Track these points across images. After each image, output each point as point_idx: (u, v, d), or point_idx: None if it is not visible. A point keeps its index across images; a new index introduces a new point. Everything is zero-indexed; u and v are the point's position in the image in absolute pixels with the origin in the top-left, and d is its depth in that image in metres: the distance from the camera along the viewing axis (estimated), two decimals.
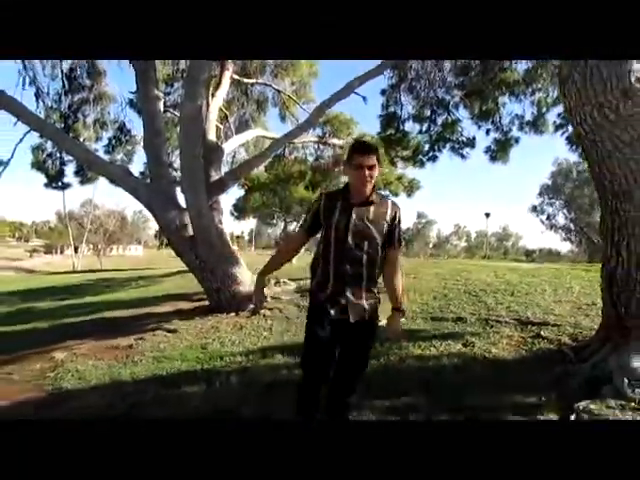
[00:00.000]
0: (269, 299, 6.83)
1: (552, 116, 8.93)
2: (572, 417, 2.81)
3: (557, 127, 8.91)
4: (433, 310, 6.04)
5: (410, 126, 9.06)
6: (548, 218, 34.80)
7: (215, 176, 8.17)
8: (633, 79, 3.32)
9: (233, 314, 6.64)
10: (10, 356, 5.32)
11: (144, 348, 5.34)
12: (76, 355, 5.19)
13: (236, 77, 10.75)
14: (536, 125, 8.61)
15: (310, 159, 12.27)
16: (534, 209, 35.08)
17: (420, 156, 9.22)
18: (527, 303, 5.93)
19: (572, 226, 34.41)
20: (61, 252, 58.23)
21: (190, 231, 7.10)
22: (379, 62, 7.90)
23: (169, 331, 6.07)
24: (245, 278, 7.19)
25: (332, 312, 2.22)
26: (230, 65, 9.90)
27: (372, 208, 2.24)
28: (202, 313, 6.97)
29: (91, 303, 9.92)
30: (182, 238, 7.14)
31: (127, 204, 51.22)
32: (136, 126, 11.24)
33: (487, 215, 34.57)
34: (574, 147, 8.95)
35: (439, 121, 8.94)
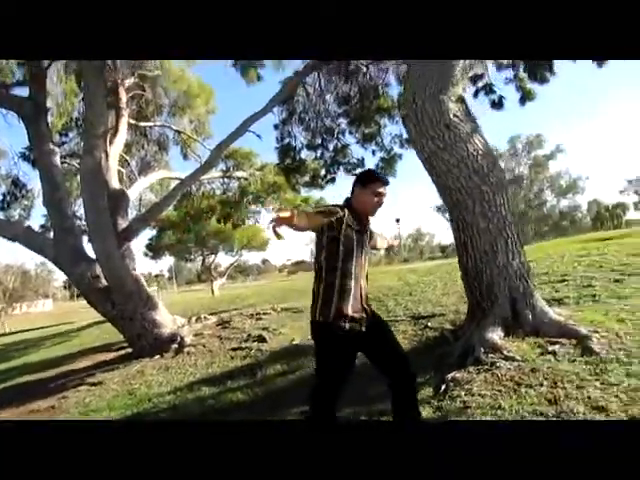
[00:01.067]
0: (190, 337, 7.17)
1: None
2: (443, 387, 3.55)
3: None
4: None
5: (306, 154, 9.84)
6: None
7: (123, 223, 8.33)
8: (451, 115, 4.26)
9: (158, 356, 6.86)
10: None
11: (68, 406, 5.39)
12: None
13: (133, 122, 10.98)
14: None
15: (218, 192, 12.66)
16: (438, 209, 37.89)
17: (319, 180, 10.03)
18: (421, 300, 6.82)
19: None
20: None
21: (104, 281, 7.24)
22: (268, 100, 8.64)
23: (93, 384, 6.14)
24: (165, 320, 7.45)
25: (346, 326, 2.29)
26: (125, 111, 10.13)
27: (368, 232, 2.55)
28: (126, 361, 7.10)
29: (2, 371, 9.47)
30: (96, 290, 7.26)
31: (27, 257, 47.45)
32: (31, 180, 10.96)
33: (397, 220, 36.59)
34: None
35: (330, 147, 9.82)
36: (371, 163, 9.79)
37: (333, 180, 10.12)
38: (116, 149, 9.47)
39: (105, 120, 7.49)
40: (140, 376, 6.09)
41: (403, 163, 10.08)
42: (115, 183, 8.91)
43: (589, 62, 6.86)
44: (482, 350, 3.89)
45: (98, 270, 7.23)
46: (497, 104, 8.31)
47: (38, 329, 19.44)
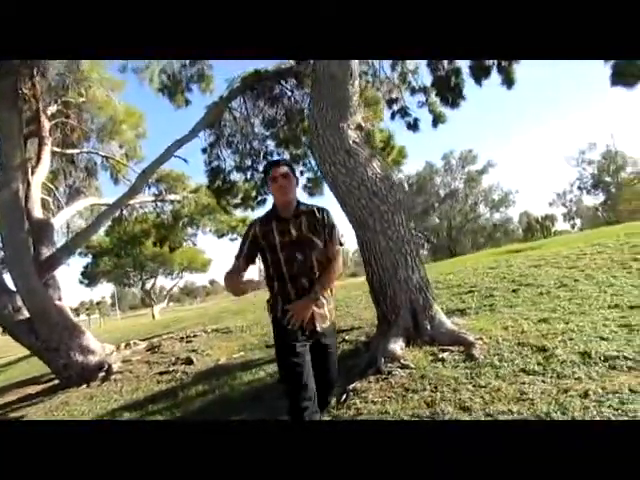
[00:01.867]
0: (119, 364, 7.14)
1: None
2: (343, 397, 3.82)
3: None
4: (269, 339, 6.95)
5: (235, 176, 10.06)
6: None
7: (47, 253, 8.18)
8: (351, 142, 4.66)
9: (84, 386, 6.78)
10: None
11: None
12: None
13: (57, 150, 10.80)
14: None
15: (152, 216, 12.59)
16: None
17: (250, 201, 10.26)
18: (345, 315, 7.16)
19: (414, 232, 39.08)
20: None
21: (26, 313, 7.10)
22: (194, 125, 8.84)
23: (16, 418, 6.04)
24: (93, 348, 7.36)
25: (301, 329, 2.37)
26: (48, 139, 9.97)
27: (303, 218, 2.43)
28: (51, 393, 6.96)
29: None
30: (18, 322, 7.10)
31: None
32: None
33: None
34: None
35: (260, 168, 10.10)
36: (300, 183, 10.19)
37: (264, 201, 10.37)
38: (39, 178, 9.27)
39: (22, 152, 7.42)
40: (64, 407, 6.01)
41: None
42: (38, 213, 8.74)
43: (498, 85, 7.54)
44: (383, 360, 4.21)
45: (20, 302, 7.08)
46: (412, 126, 8.93)
47: None
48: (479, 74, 7.74)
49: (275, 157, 9.96)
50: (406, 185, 37.17)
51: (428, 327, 4.57)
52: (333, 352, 2.59)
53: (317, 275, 2.41)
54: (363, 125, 4.92)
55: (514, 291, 5.91)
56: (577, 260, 6.81)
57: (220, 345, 7.00)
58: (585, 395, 2.69)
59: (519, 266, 7.46)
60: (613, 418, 2.39)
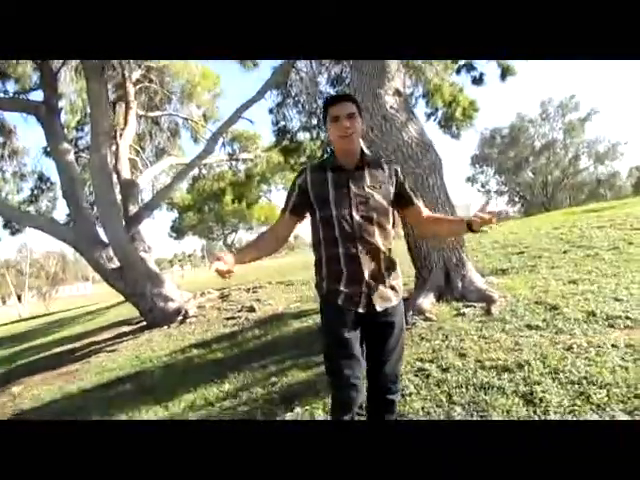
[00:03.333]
0: (194, 309, 8.27)
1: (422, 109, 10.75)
2: None
3: (428, 116, 10.73)
4: None
5: (302, 136, 10.64)
6: (482, 186, 37.57)
7: (133, 209, 9.45)
8: (388, 107, 4.98)
9: (166, 327, 8.01)
10: None
11: (89, 368, 6.62)
12: (30, 386, 6.42)
13: (141, 113, 12.02)
14: None
15: (227, 174, 13.65)
16: (468, 179, 37.71)
17: (315, 161, 10.84)
18: None
19: (504, 188, 37.35)
20: (3, 303, 56.60)
21: (117, 262, 8.40)
22: (261, 86, 9.44)
23: (110, 351, 7.38)
24: (173, 294, 8.57)
25: (353, 306, 1.95)
26: (133, 103, 11.14)
27: (367, 171, 1.98)
28: (139, 332, 8.30)
29: (40, 345, 10.95)
30: (111, 270, 8.43)
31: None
32: (55, 173, 12.34)
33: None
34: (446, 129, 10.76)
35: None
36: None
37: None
38: (126, 141, 10.54)
39: (109, 117, 8.51)
40: (147, 343, 7.24)
41: None
42: (126, 173, 10.01)
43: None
44: (410, 313, 4.68)
45: (112, 253, 8.38)
46: (478, 80, 8.82)
47: (74, 309, 21.33)
48: None
49: None
50: (498, 138, 35.42)
51: (459, 285, 4.94)
52: (397, 333, 2.01)
53: (379, 242, 1.94)
54: (401, 90, 5.17)
55: (565, 252, 6.02)
56: None
57: (281, 296, 7.82)
58: (569, 348, 3.02)
59: (583, 227, 7.37)
60: (582, 367, 2.73)
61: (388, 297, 1.96)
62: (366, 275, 1.91)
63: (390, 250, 2.00)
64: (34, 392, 5.99)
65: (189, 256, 68.18)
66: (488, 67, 8.73)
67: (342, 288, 1.94)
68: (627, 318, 3.32)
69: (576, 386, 2.54)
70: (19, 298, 41.09)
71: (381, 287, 1.95)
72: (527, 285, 4.76)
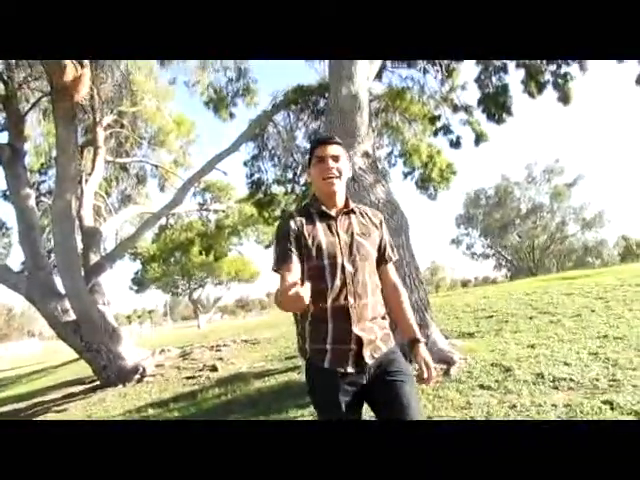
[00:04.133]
0: (152, 368, 8.42)
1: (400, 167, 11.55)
2: None
3: (405, 175, 11.50)
4: (291, 351, 7.93)
5: (276, 189, 11.22)
6: (467, 248, 38.80)
7: (94, 259, 9.72)
8: (357, 168, 5.56)
9: (120, 386, 8.11)
10: None
11: None
12: None
13: (110, 158, 12.52)
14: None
15: (197, 225, 14.09)
16: (453, 241, 38.94)
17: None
18: None
19: (490, 251, 38.64)
20: None
21: (72, 315, 8.56)
22: (236, 138, 10.08)
23: (58, 412, 7.43)
24: (129, 353, 8.72)
25: (344, 367, 1.84)
26: (102, 149, 11.62)
27: (354, 217, 1.96)
28: (91, 392, 8.36)
29: None
30: (65, 323, 8.57)
31: (14, 295, 49.03)
32: (11, 218, 12.58)
33: None
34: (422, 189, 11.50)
35: (301, 181, 11.19)
36: None
37: None
38: (92, 186, 10.94)
39: (76, 164, 8.95)
40: (100, 403, 7.33)
41: None
42: (89, 221, 10.34)
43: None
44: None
45: (68, 305, 8.55)
46: (455, 144, 9.65)
47: (17, 368, 20.80)
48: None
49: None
50: (484, 198, 36.94)
51: None
52: (405, 382, 1.89)
53: (369, 295, 1.88)
54: (370, 153, 5.79)
55: (530, 318, 6.53)
56: (612, 291, 7.26)
57: (245, 355, 8.08)
58: (513, 406, 3.43)
59: (553, 294, 7.96)
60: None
61: (378, 347, 1.88)
62: (356, 330, 1.82)
63: (379, 303, 1.94)
64: None
65: (150, 312, 67.10)
66: (464, 130, 9.44)
67: (328, 347, 1.84)
68: (571, 380, 3.76)
69: None
70: None
71: (371, 340, 1.85)
72: (488, 348, 5.19)
